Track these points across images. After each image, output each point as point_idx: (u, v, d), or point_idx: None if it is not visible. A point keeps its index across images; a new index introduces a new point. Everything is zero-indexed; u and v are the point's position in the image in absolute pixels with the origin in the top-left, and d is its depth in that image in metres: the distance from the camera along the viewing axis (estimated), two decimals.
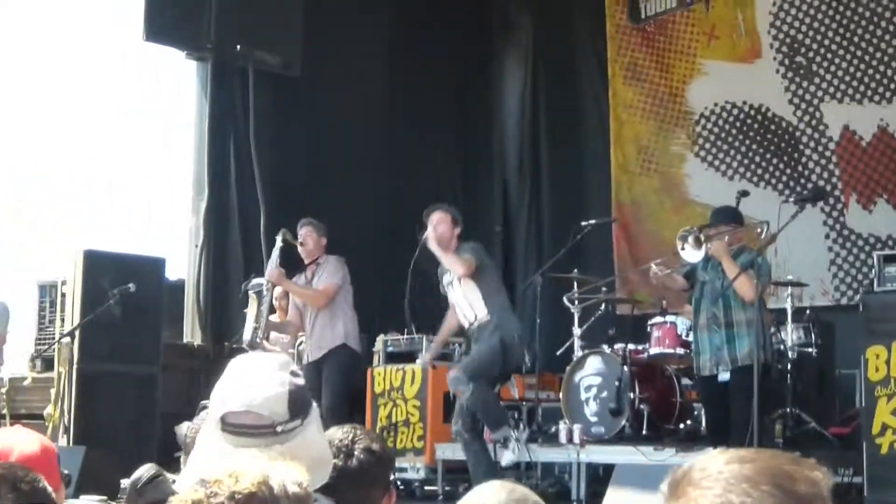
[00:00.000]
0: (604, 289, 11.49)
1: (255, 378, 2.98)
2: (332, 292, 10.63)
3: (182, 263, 13.61)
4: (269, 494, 2.25)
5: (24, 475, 3.23)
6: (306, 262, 10.82)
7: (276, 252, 10.68)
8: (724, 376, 8.79)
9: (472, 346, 9.66)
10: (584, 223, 10.92)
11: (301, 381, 3.07)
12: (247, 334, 10.84)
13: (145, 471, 3.37)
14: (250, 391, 2.96)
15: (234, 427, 2.94)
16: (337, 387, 10.44)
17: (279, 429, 2.95)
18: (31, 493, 3.18)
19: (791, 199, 11.32)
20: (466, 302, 9.56)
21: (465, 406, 9.39)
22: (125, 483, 9.22)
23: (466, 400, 9.29)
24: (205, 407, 3.58)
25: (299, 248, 10.73)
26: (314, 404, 3.12)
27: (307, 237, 10.78)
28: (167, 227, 17.88)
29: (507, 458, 9.46)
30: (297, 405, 3.00)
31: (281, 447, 2.92)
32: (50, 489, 3.28)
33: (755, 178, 12.90)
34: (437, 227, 9.57)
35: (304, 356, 10.60)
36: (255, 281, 11.19)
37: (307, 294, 10.77)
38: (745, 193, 9.97)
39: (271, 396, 2.96)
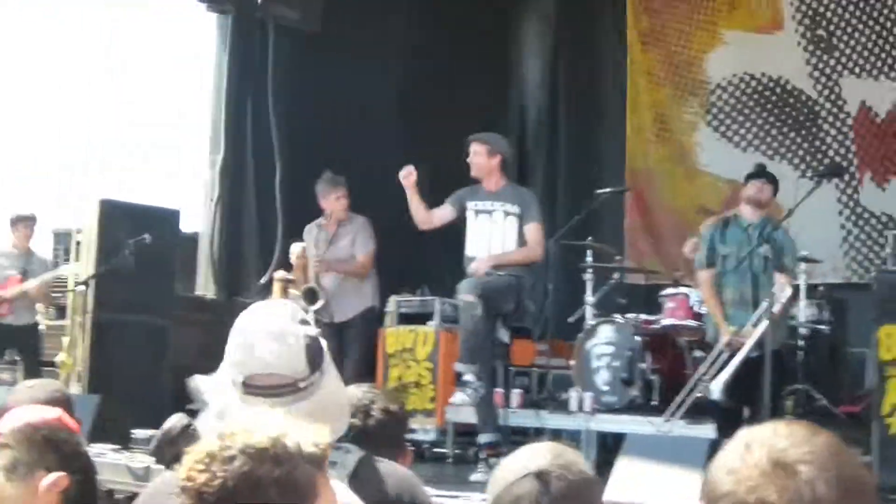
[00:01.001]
0: (617, 257, 11.48)
1: (271, 336, 2.99)
2: (371, 261, 10.64)
3: (197, 217, 13.64)
4: (282, 451, 2.26)
5: (66, 437, 3.25)
6: (329, 221, 10.71)
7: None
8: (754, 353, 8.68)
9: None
10: (598, 191, 10.89)
11: (312, 330, 3.10)
12: None
13: (176, 420, 3.39)
14: (269, 352, 2.97)
15: (258, 389, 2.97)
16: (363, 350, 10.48)
17: (301, 384, 2.98)
18: (73, 457, 3.20)
19: (808, 175, 11.34)
20: (500, 239, 9.34)
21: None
22: (137, 433, 9.31)
23: (464, 319, 9.10)
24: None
25: (328, 211, 10.58)
26: (325, 350, 3.12)
27: (342, 198, 10.63)
28: (183, 180, 17.92)
29: (457, 397, 9.35)
30: (315, 357, 3.04)
31: (306, 403, 2.96)
32: (90, 455, 3.30)
33: (770, 152, 12.85)
34: (473, 159, 9.43)
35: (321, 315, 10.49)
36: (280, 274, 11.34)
37: (356, 271, 10.70)
38: (761, 167, 9.97)
39: (291, 354, 2.98)
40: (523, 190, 9.58)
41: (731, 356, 8.31)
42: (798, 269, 10.25)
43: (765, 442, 1.69)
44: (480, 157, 9.36)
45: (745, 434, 1.74)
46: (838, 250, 12.21)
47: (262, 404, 2.94)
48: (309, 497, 2.27)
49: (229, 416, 2.94)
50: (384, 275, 11.21)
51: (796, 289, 10.04)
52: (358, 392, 3.87)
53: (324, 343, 3.12)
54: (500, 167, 9.36)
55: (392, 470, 3.30)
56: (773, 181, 8.99)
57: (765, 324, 8.33)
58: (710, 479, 1.71)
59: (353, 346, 10.46)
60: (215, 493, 2.19)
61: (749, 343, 8.50)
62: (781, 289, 8.48)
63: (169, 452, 3.28)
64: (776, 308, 8.35)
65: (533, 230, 9.29)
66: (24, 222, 11.49)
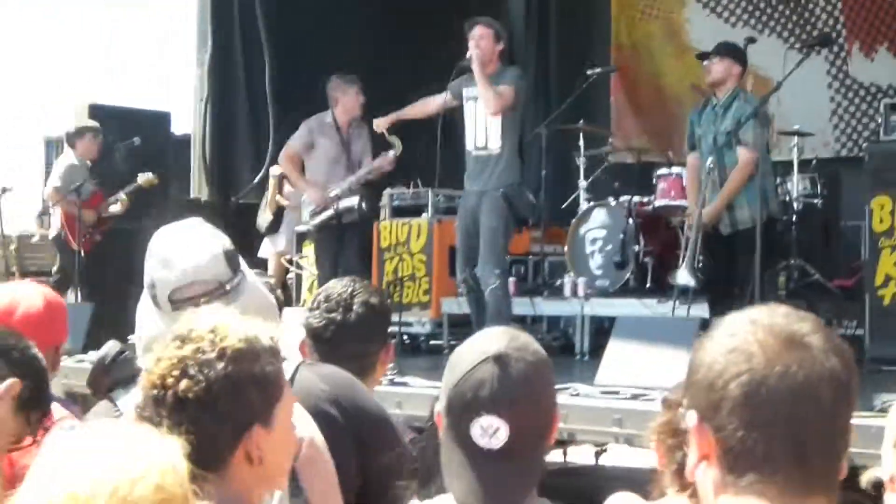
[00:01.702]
0: (611, 140, 11.45)
1: (187, 248, 3.00)
2: None
3: (188, 118, 13.59)
4: (256, 349, 2.31)
5: (14, 342, 3.28)
6: (342, 121, 10.35)
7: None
8: (727, 230, 8.70)
9: (478, 210, 9.03)
10: (588, 72, 10.82)
11: (225, 238, 3.10)
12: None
13: (110, 348, 3.39)
14: (187, 260, 2.98)
15: (185, 301, 2.95)
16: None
17: (228, 287, 2.99)
18: (21, 362, 3.24)
19: (797, 46, 11.24)
20: (483, 127, 8.97)
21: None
22: (132, 339, 9.35)
23: (489, 293, 8.83)
24: None
25: (344, 108, 10.33)
26: (240, 257, 3.13)
27: (361, 94, 10.38)
28: (173, 81, 17.81)
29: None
30: (234, 260, 3.05)
31: (236, 304, 2.93)
32: (41, 357, 3.33)
33: (759, 25, 12.69)
34: (479, 43, 8.87)
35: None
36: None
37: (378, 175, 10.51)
38: (751, 40, 9.87)
39: (210, 260, 2.99)
40: (511, 68, 9.29)
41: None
42: (790, 142, 10.24)
43: (765, 321, 1.76)
44: (487, 40, 8.90)
45: (736, 318, 1.80)
46: (828, 124, 12.09)
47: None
48: (278, 389, 2.34)
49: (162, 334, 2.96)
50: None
51: (788, 163, 10.03)
52: (338, 286, 3.89)
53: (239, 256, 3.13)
54: (500, 54, 9.09)
55: (330, 374, 3.32)
56: (727, 54, 8.77)
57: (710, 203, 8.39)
58: (710, 360, 1.75)
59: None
60: (198, 398, 2.23)
61: (692, 224, 8.56)
62: (736, 163, 8.47)
63: (105, 381, 3.28)
64: (725, 186, 8.34)
65: (502, 88, 8.98)
66: (91, 132, 11.38)
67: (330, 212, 9.91)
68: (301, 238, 11.50)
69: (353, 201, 9.91)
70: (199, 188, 12.35)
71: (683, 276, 8.53)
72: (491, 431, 2.34)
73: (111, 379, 3.24)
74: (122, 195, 11.27)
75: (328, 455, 2.83)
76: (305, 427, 2.79)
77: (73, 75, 20.74)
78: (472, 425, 2.35)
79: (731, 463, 1.73)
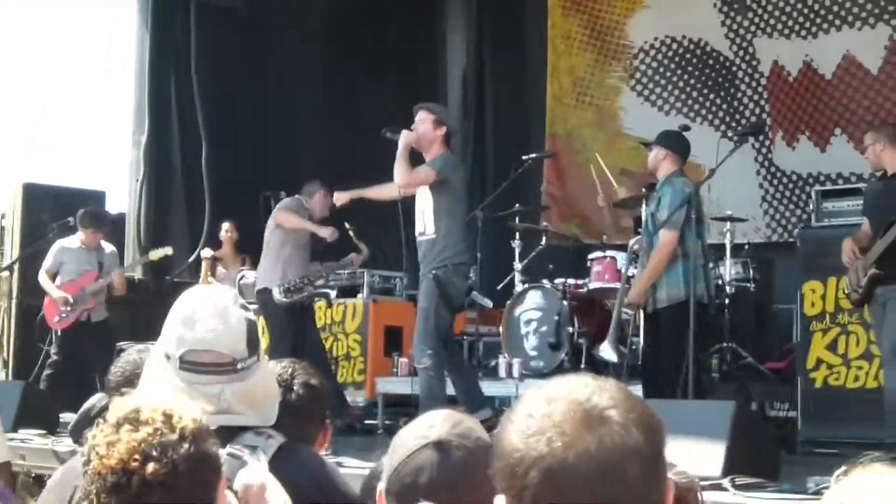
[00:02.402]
0: (544, 223, 11.54)
1: (214, 313, 2.98)
2: None
3: (123, 197, 13.55)
4: (205, 429, 2.29)
5: None
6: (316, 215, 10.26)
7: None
8: (650, 308, 8.61)
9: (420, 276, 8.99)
10: (524, 157, 10.89)
11: (252, 315, 3.09)
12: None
13: (97, 400, 3.38)
14: (210, 329, 2.95)
15: (195, 365, 2.94)
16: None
17: (239, 366, 2.97)
18: None
19: (730, 134, 11.38)
20: (421, 212, 8.92)
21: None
22: (65, 417, 9.25)
23: (420, 373, 8.73)
24: (122, 351, 3.59)
25: (316, 206, 10.25)
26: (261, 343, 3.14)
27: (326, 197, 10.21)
28: (107, 161, 17.78)
29: None
30: (254, 340, 3.03)
31: (242, 385, 2.96)
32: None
33: (692, 114, 12.86)
34: (418, 126, 8.94)
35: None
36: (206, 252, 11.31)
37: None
38: (686, 128, 9.90)
39: (232, 333, 2.97)
40: (442, 154, 9.25)
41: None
42: (724, 227, 10.32)
43: (562, 398, 1.65)
44: (426, 124, 8.89)
45: (532, 397, 1.69)
46: (759, 209, 12.24)
47: (195, 380, 2.93)
48: (220, 468, 2.33)
49: (161, 391, 2.94)
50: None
51: (721, 247, 10.10)
52: (278, 367, 3.87)
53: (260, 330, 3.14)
54: (444, 139, 9.08)
55: (311, 456, 3.31)
56: (658, 142, 8.69)
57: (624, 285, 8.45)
58: (511, 448, 1.65)
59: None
60: (164, 481, 2.18)
61: (616, 304, 8.63)
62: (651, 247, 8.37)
63: (87, 433, 3.28)
64: (647, 266, 8.35)
65: (420, 168, 8.87)
66: (96, 226, 11.24)
67: (306, 293, 9.86)
68: None
69: (329, 292, 9.93)
70: (133, 267, 12.27)
71: (606, 351, 8.60)
72: None
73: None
74: (114, 273, 11.14)
75: None
76: (282, 501, 2.77)
77: (7, 154, 20.64)
78: None
79: None
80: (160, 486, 2.18)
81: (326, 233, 9.89)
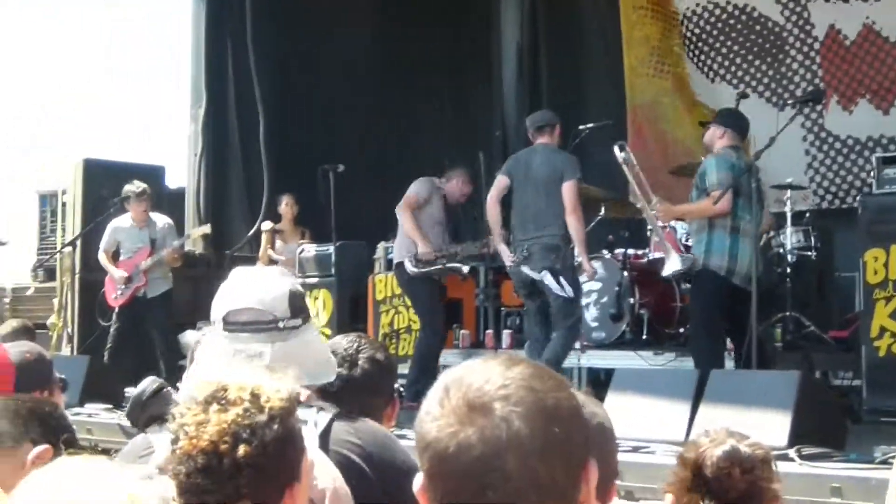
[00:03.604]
0: (602, 193, 11.47)
1: (256, 281, 3.04)
2: None
3: (182, 172, 13.62)
4: (292, 406, 2.29)
5: (51, 410, 3.30)
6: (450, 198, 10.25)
7: None
8: None
9: None
10: (581, 126, 10.83)
11: (299, 286, 3.12)
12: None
13: (148, 384, 3.39)
14: (251, 291, 3.01)
15: (236, 325, 2.98)
16: None
17: (281, 325, 2.99)
18: (58, 429, 3.24)
19: (790, 102, 11.28)
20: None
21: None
22: (129, 391, 9.33)
23: None
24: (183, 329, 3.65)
25: (449, 191, 10.14)
26: (311, 310, 3.17)
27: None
28: (167, 136, 17.87)
29: None
30: (298, 305, 3.05)
31: (284, 344, 2.97)
32: (71, 424, 3.35)
33: (735, 81, 12.77)
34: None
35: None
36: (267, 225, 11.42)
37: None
38: (744, 95, 9.94)
39: (272, 294, 3.01)
40: None
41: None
42: (783, 196, 10.25)
43: (461, 384, 1.64)
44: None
45: (445, 376, 1.69)
46: (804, 177, 12.13)
47: (238, 340, 2.96)
48: (303, 444, 2.33)
49: (210, 362, 2.96)
50: (374, 221, 11.21)
51: (782, 215, 10.04)
52: (344, 341, 3.87)
53: (313, 317, 3.16)
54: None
55: (366, 428, 3.29)
56: (714, 120, 8.70)
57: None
58: (417, 428, 1.66)
59: None
60: (256, 462, 2.17)
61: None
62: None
63: (142, 415, 3.29)
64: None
65: None
66: (139, 197, 11.28)
67: (437, 267, 9.87)
68: None
69: (461, 266, 9.90)
70: (193, 241, 12.33)
71: (673, 264, 8.49)
72: None
73: (147, 414, 3.24)
74: (165, 250, 11.19)
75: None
76: (329, 478, 2.78)
77: (68, 131, 20.80)
78: None
79: None
80: (250, 466, 2.17)
81: (425, 249, 10.00)
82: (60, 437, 3.19)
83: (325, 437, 2.98)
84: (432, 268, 9.80)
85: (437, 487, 1.64)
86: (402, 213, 9.87)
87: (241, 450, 2.17)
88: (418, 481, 1.68)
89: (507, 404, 1.61)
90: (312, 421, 2.98)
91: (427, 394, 1.69)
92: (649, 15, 13.75)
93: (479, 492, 1.59)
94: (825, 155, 12.18)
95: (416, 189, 9.97)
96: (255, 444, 2.18)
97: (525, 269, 8.87)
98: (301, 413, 2.91)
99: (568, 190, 8.79)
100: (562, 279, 8.74)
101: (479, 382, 1.63)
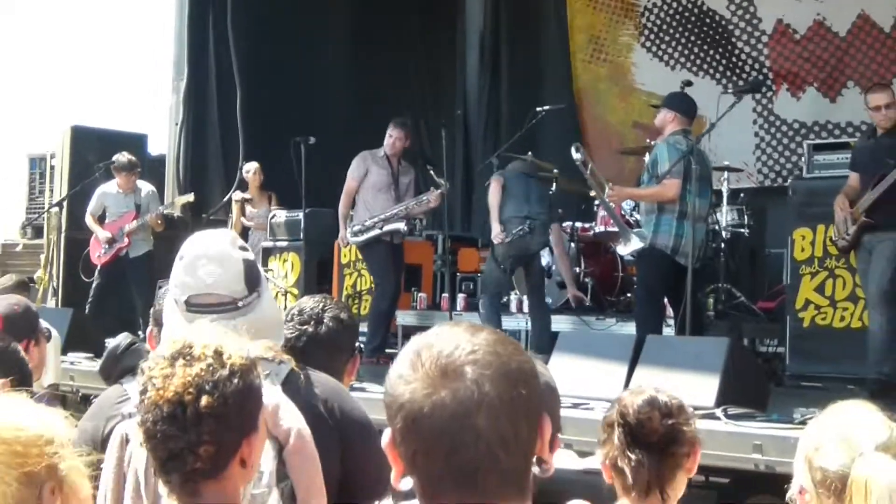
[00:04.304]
0: (555, 170, 11.51)
1: (211, 259, 3.03)
2: None
3: (163, 140, 13.57)
4: (252, 363, 2.37)
5: (4, 345, 3.37)
6: (392, 157, 10.20)
7: None
8: None
9: None
10: (538, 108, 10.85)
11: (251, 255, 3.14)
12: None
13: (122, 339, 3.43)
14: (209, 273, 3.01)
15: (199, 307, 3.00)
16: None
17: (240, 304, 3.03)
18: (9, 362, 3.31)
19: (730, 90, 11.35)
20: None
21: None
22: (108, 342, 9.33)
23: None
24: (161, 287, 3.66)
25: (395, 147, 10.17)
26: (263, 274, 3.20)
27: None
28: (149, 105, 17.79)
29: None
30: (252, 279, 3.08)
31: (244, 319, 3.00)
32: (26, 358, 3.42)
33: (694, 68, 12.86)
34: None
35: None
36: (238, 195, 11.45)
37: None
38: (688, 83, 9.91)
39: (229, 275, 3.03)
40: None
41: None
42: (721, 177, 10.31)
43: (431, 349, 1.69)
44: None
45: (414, 342, 1.74)
46: (751, 157, 12.27)
47: (203, 321, 2.94)
48: (262, 398, 2.40)
49: (174, 332, 3.00)
50: (341, 190, 11.19)
51: (718, 194, 10.09)
52: (311, 301, 3.91)
53: (260, 267, 3.19)
54: None
55: (321, 380, 3.35)
56: (664, 104, 8.67)
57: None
58: (390, 390, 1.71)
59: None
60: (216, 412, 2.25)
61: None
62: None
63: (115, 369, 3.33)
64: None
65: None
66: (128, 169, 11.30)
67: (375, 232, 9.91)
68: (266, 253, 11.50)
69: (400, 226, 9.91)
70: (176, 207, 12.32)
71: (632, 244, 8.52)
72: None
73: (121, 367, 3.28)
74: (149, 215, 11.22)
75: (314, 447, 2.86)
76: (294, 420, 2.84)
77: (56, 97, 20.66)
78: None
79: (417, 488, 1.71)
80: (211, 416, 2.24)
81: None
82: (15, 371, 3.32)
83: (286, 386, 3.04)
84: (369, 234, 9.89)
85: (410, 445, 1.68)
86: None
87: (204, 400, 2.24)
88: (387, 437, 1.72)
89: (476, 368, 1.66)
90: (274, 372, 3.04)
91: (396, 357, 1.73)
92: (594, 5, 13.80)
93: (452, 449, 1.65)
94: (772, 137, 12.32)
95: (349, 174, 10.18)
96: (217, 395, 2.25)
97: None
98: (264, 366, 2.98)
99: None
100: None
101: (449, 348, 1.68)
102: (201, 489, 2.28)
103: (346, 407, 3.27)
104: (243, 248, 3.12)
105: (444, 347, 1.69)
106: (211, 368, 2.28)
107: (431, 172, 10.23)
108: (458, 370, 1.66)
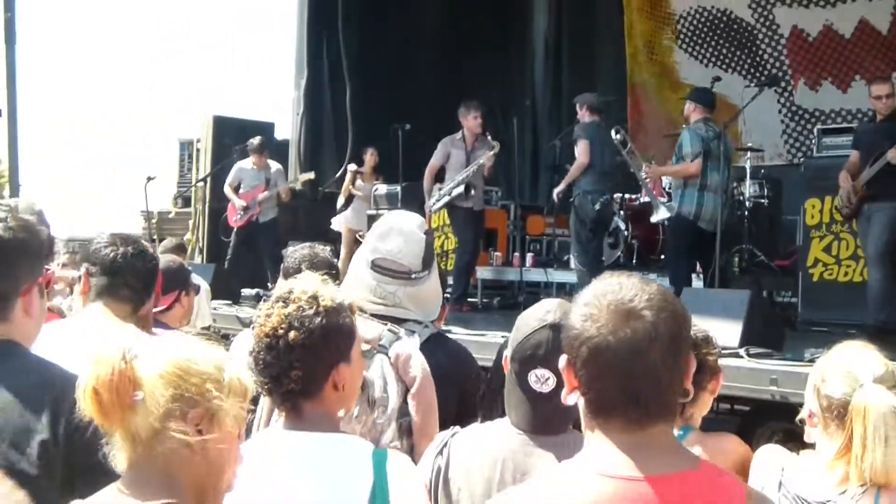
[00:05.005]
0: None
1: (401, 234, 3.13)
2: None
3: (287, 127, 13.68)
4: (339, 306, 2.41)
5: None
6: (469, 137, 10.08)
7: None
8: None
9: None
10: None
11: (432, 238, 3.23)
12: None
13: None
14: (396, 245, 3.11)
15: (381, 269, 3.11)
16: None
17: (413, 276, 3.12)
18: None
19: (752, 84, 11.23)
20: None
21: None
22: (244, 292, 9.45)
23: None
24: (287, 247, 3.78)
25: (468, 127, 10.06)
26: (435, 255, 3.24)
27: (479, 118, 10.08)
28: (276, 98, 17.92)
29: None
30: (428, 258, 3.16)
31: (412, 289, 3.11)
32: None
33: (724, 66, 12.67)
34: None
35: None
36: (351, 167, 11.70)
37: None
38: (717, 79, 9.88)
39: (412, 251, 3.12)
40: None
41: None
42: (745, 155, 10.21)
43: (614, 294, 1.74)
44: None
45: (591, 291, 1.78)
46: (780, 139, 12.12)
47: (379, 279, 3.10)
48: (354, 335, 2.44)
49: (353, 281, 3.13)
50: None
51: (742, 170, 9.99)
52: None
53: (436, 261, 3.25)
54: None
55: (454, 346, 3.35)
56: (688, 98, 8.65)
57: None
58: (571, 326, 1.76)
59: None
60: (303, 344, 2.31)
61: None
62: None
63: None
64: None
65: None
66: (260, 150, 11.38)
67: (446, 199, 9.93)
68: (371, 220, 11.55)
69: (460, 189, 9.88)
70: (301, 183, 12.42)
71: (660, 213, 8.57)
72: (543, 380, 2.41)
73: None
74: (277, 189, 11.32)
75: (433, 395, 2.87)
76: (420, 370, 2.86)
77: (202, 92, 20.88)
78: (529, 374, 2.42)
79: (587, 404, 1.76)
80: (301, 347, 2.31)
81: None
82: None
83: (425, 345, 3.06)
84: (442, 202, 9.91)
85: (591, 371, 1.74)
86: None
87: (292, 334, 2.31)
88: (563, 362, 1.79)
89: (653, 313, 1.72)
90: (418, 332, 3.09)
91: (578, 300, 1.78)
92: (644, 16, 13.67)
93: (627, 375, 1.72)
94: (796, 123, 12.14)
95: (433, 156, 10.11)
96: (303, 330, 2.31)
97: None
98: (411, 325, 3.07)
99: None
100: None
101: (629, 295, 1.74)
102: (300, 406, 2.34)
103: (471, 370, 3.25)
104: (428, 234, 3.21)
105: (623, 296, 1.74)
106: (300, 309, 2.34)
107: (488, 137, 10.09)
108: (639, 313, 1.72)
